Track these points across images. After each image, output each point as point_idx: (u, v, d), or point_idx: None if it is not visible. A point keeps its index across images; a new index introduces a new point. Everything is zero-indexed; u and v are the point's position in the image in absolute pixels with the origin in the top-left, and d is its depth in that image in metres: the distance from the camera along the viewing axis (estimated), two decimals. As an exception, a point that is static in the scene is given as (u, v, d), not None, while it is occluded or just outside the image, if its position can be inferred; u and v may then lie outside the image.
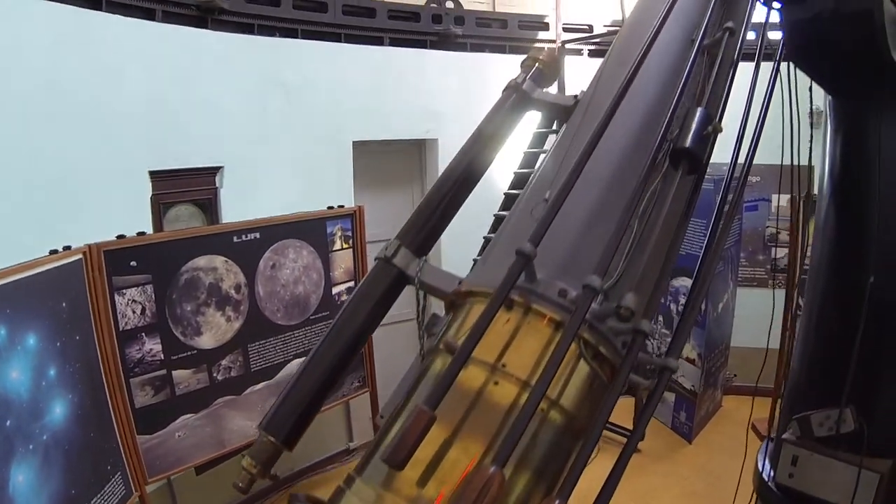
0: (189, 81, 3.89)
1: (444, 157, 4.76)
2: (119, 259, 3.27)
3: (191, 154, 3.96)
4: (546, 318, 0.97)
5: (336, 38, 4.57)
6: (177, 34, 3.84)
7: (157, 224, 3.85)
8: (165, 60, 3.76)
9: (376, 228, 4.59)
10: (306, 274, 4.00)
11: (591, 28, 5.40)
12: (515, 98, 1.50)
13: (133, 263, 3.32)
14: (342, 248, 4.17)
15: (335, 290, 4.17)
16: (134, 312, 3.42)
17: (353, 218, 4.14)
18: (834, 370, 1.60)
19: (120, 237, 3.28)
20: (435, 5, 5.03)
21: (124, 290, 3.33)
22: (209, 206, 4.11)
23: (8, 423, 2.48)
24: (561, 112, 1.49)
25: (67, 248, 3.06)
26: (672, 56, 1.37)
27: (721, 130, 1.18)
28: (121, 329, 3.36)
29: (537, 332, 0.97)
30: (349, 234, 4.18)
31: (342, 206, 4.12)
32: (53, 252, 2.97)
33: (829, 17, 1.52)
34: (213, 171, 4.10)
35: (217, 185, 4.14)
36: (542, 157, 1.70)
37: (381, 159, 4.90)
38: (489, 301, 0.90)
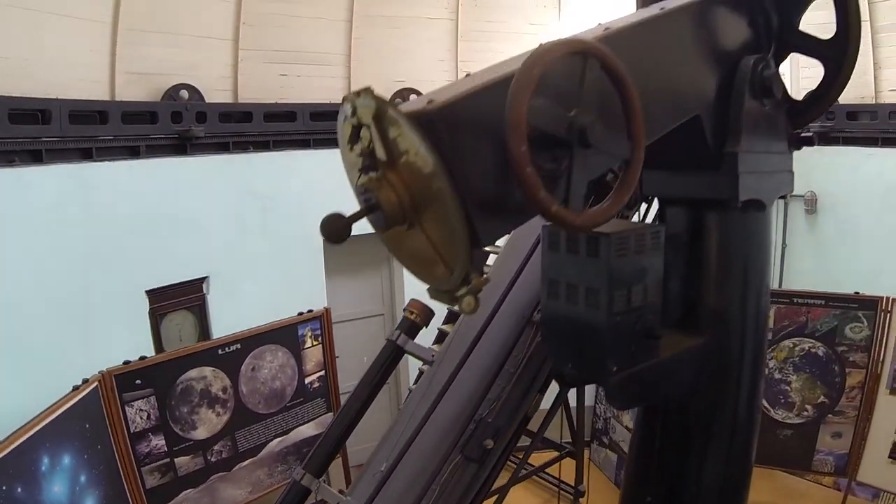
0: (173, 206, 4.84)
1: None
2: (126, 380, 4.31)
3: (179, 269, 4.93)
4: None
5: (305, 144, 5.41)
6: (159, 166, 4.76)
7: (156, 332, 4.86)
8: (151, 191, 4.71)
9: (350, 309, 5.53)
10: (282, 371, 5.02)
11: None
12: (393, 352, 2.46)
13: (138, 382, 4.37)
14: (312, 346, 5.16)
15: (307, 380, 5.20)
16: (141, 418, 4.50)
17: (322, 319, 5.10)
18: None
19: (126, 363, 4.31)
20: (399, 100, 5.78)
21: (132, 403, 4.40)
22: (199, 311, 5.11)
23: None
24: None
25: (85, 380, 4.11)
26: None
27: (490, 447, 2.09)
28: (132, 431, 4.44)
29: None
30: (318, 332, 5.15)
31: (311, 311, 5.06)
32: (76, 388, 4.01)
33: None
34: (200, 281, 5.08)
35: (204, 291, 5.12)
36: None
37: (352, 250, 5.80)
38: None
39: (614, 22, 1.53)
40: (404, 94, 5.99)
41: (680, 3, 1.58)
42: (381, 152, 0.99)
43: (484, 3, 6.35)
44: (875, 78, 5.89)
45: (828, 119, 6.06)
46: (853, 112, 6.00)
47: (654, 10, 1.58)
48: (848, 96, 6.23)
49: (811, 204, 5.94)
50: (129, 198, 4.64)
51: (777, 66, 1.84)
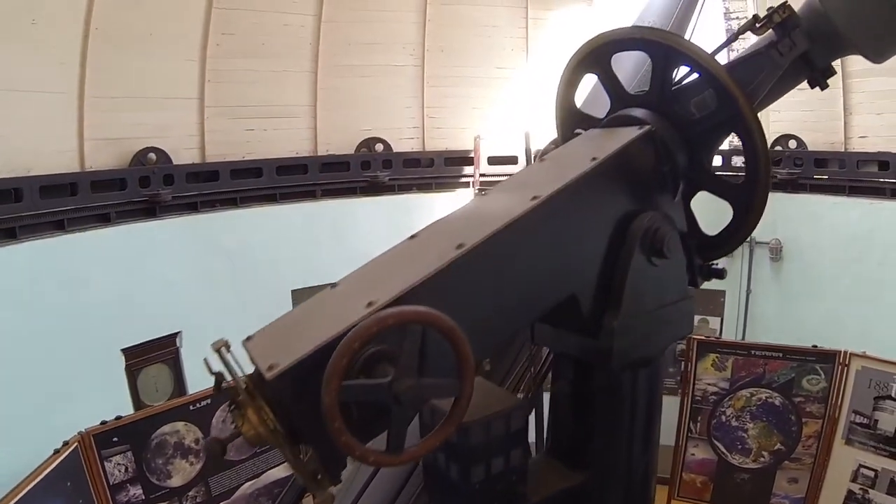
0: (145, 267, 5.32)
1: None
2: (104, 438, 4.85)
3: (153, 326, 5.40)
4: None
5: (272, 198, 5.81)
6: (130, 232, 5.22)
7: (133, 387, 5.36)
8: (123, 256, 5.16)
9: None
10: (253, 421, 5.52)
11: (516, 160, 6.46)
12: None
13: (115, 439, 4.90)
14: (281, 396, 5.66)
15: (278, 428, 5.71)
16: (119, 471, 5.05)
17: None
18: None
19: (103, 422, 4.83)
20: (365, 150, 6.17)
21: (111, 458, 4.93)
22: (174, 363, 5.60)
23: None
24: None
25: (65, 442, 4.63)
26: None
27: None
28: (111, 483, 4.99)
29: None
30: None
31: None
32: (56, 451, 4.54)
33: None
34: (173, 336, 5.55)
35: (178, 345, 5.60)
36: None
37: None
38: None
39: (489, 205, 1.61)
40: (370, 143, 6.36)
41: (575, 168, 1.60)
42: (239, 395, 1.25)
43: (450, 48, 6.66)
44: (845, 124, 6.14)
45: (796, 165, 6.33)
46: (822, 159, 6.25)
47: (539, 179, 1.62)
48: (817, 142, 6.58)
49: (776, 252, 6.27)
50: (101, 264, 5.09)
51: (688, 203, 1.91)
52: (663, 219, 1.72)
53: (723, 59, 1.79)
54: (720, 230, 1.93)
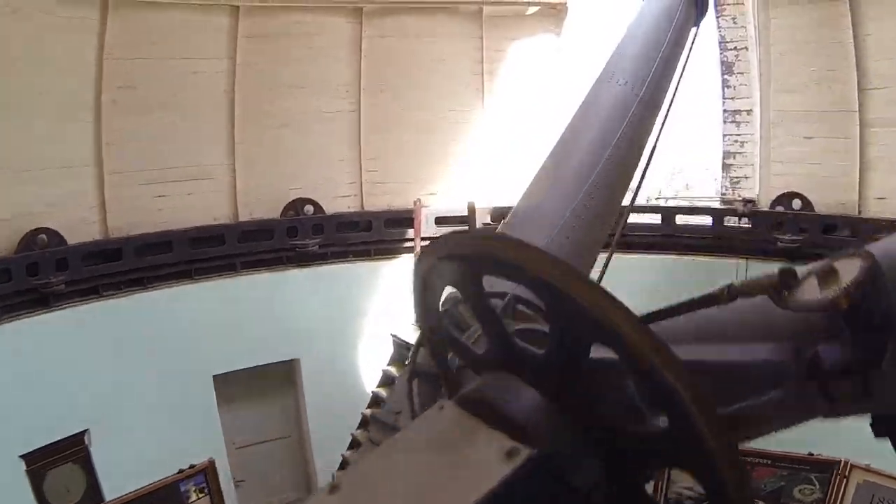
0: (42, 364, 4.92)
1: (310, 375, 5.59)
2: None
3: (57, 427, 5.04)
4: None
5: (186, 275, 5.33)
6: (20, 329, 4.77)
7: (38, 492, 5.07)
8: (13, 356, 4.76)
9: (254, 434, 5.64)
10: (165, 532, 5.19)
11: (466, 221, 5.81)
12: None
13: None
14: (198, 499, 5.30)
15: (198, 534, 5.38)
16: None
17: (206, 473, 5.21)
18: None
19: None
20: (293, 213, 5.62)
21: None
22: (85, 462, 5.29)
23: None
24: None
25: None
26: None
27: None
28: None
29: None
30: (203, 485, 5.28)
31: (193, 466, 5.17)
32: None
33: None
34: (81, 434, 5.21)
35: (87, 443, 5.26)
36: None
37: (248, 382, 5.83)
38: None
39: None
40: (298, 204, 5.77)
41: None
42: None
43: (391, 89, 5.99)
44: (860, 181, 5.31)
45: (800, 231, 5.57)
46: (831, 224, 5.43)
47: None
48: (826, 202, 5.73)
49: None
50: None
51: None
52: None
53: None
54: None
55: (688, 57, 3.04)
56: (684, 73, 2.95)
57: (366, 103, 5.99)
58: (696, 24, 3.07)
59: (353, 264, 5.91)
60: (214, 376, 5.71)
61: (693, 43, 3.15)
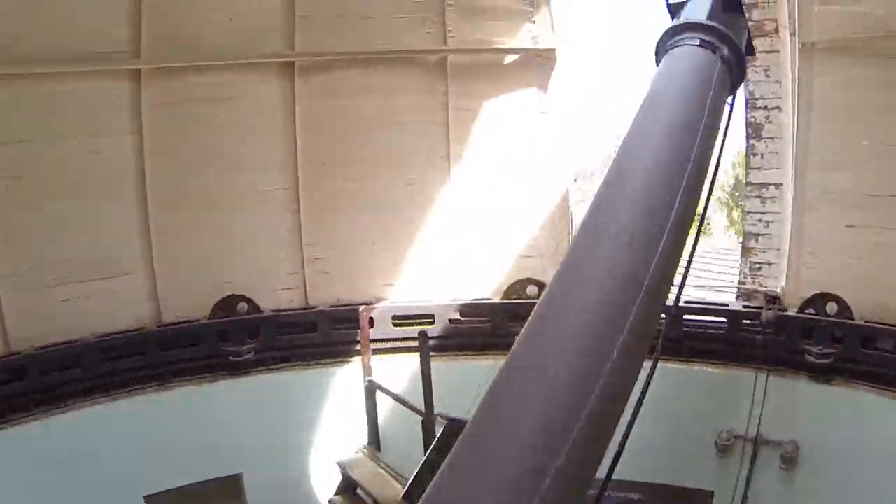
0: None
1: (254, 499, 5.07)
2: None
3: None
4: None
5: (103, 389, 4.74)
6: None
7: None
8: None
9: None
10: None
11: (432, 318, 4.96)
12: None
13: None
14: None
15: None
16: None
17: None
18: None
19: None
20: (223, 312, 4.89)
21: None
22: None
23: None
24: None
25: None
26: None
27: None
28: None
29: None
30: None
31: None
32: None
33: None
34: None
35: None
36: None
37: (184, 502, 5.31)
38: None
39: None
40: (230, 302, 4.96)
41: None
42: None
43: (336, 161, 4.97)
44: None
45: (834, 341, 4.57)
46: (870, 336, 4.43)
47: None
48: (868, 307, 4.65)
49: (790, 459, 4.68)
50: None
51: None
52: None
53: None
54: None
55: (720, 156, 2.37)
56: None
57: (305, 178, 4.99)
58: (732, 93, 2.45)
59: (297, 372, 5.16)
60: (145, 497, 5.21)
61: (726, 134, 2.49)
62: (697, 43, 2.37)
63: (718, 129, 2.30)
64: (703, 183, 2.09)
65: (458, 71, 5.00)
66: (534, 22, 4.89)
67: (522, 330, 1.55)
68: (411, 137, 5.05)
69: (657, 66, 2.50)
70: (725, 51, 2.34)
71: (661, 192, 1.84)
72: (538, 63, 4.96)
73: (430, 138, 5.07)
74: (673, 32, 2.47)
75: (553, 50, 4.93)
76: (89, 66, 4.61)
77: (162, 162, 4.88)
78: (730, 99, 2.48)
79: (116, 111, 4.71)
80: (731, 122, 2.53)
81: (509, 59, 4.98)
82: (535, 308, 1.59)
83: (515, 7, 4.86)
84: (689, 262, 2.24)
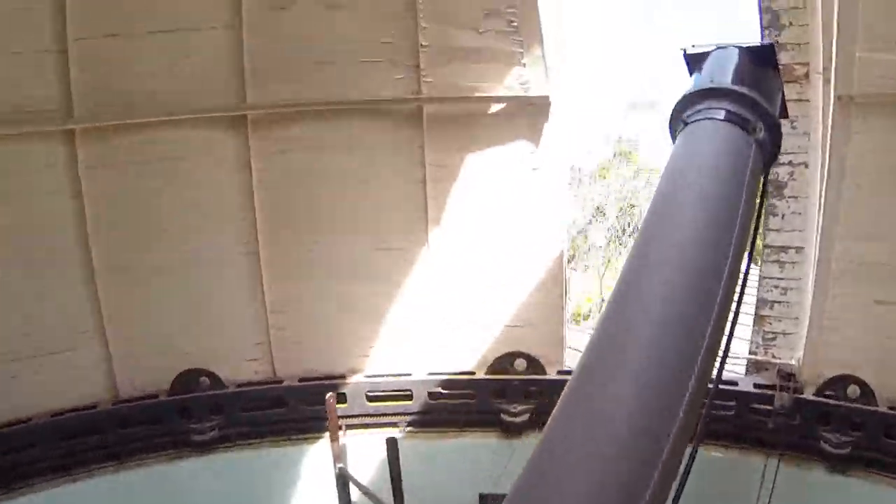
0: None
1: None
2: None
3: None
4: None
5: (61, 471, 4.46)
6: None
7: None
8: None
9: None
10: None
11: (410, 395, 4.52)
12: None
13: None
14: None
15: None
16: None
17: None
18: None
19: None
20: (183, 389, 4.53)
21: None
22: None
23: None
24: None
25: None
26: None
27: None
28: None
29: None
30: None
31: None
32: None
33: None
34: None
35: None
36: None
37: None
38: None
39: None
40: (190, 376, 4.57)
41: None
42: None
43: (299, 218, 4.44)
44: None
45: (853, 428, 4.03)
46: (894, 424, 4.07)
47: None
48: (889, 391, 4.03)
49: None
50: None
51: None
52: None
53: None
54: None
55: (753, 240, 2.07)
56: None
57: (266, 242, 4.48)
58: (765, 172, 2.07)
59: (265, 450, 4.75)
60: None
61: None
62: (723, 117, 1.91)
63: (753, 214, 1.90)
64: (740, 272, 1.76)
65: (435, 122, 4.36)
66: (524, 65, 4.17)
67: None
68: (383, 197, 4.47)
69: (672, 139, 2.04)
70: (761, 129, 1.90)
71: (698, 308, 1.54)
72: (529, 112, 4.26)
73: (404, 198, 4.45)
74: (692, 100, 1.98)
75: (546, 97, 4.21)
76: (17, 129, 4.16)
77: (107, 226, 4.42)
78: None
79: (51, 175, 4.20)
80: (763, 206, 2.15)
81: (495, 107, 4.29)
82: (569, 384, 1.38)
83: (502, 47, 4.12)
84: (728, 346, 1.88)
